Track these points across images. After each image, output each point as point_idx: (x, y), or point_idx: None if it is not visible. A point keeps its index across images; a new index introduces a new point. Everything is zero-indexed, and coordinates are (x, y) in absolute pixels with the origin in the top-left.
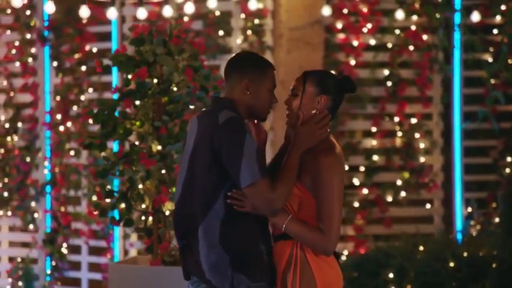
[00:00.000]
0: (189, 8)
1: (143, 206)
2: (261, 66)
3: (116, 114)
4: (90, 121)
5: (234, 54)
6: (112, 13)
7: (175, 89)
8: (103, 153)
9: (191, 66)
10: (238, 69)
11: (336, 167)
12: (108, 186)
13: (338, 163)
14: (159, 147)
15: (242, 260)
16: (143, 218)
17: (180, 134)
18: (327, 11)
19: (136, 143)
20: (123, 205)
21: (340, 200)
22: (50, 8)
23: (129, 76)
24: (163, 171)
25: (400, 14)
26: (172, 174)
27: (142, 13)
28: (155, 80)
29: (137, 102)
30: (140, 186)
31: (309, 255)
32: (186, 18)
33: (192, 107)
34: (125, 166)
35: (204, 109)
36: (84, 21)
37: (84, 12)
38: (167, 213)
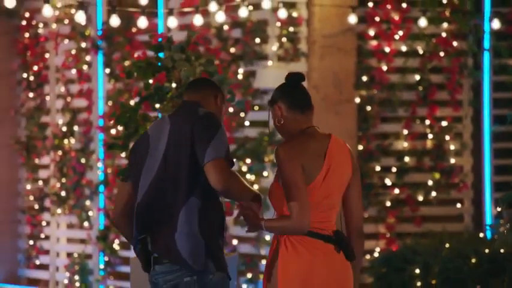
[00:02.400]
0: (220, 17)
1: None
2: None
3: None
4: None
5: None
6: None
7: None
8: (123, 154)
9: (207, 71)
10: (212, 85)
11: (287, 156)
12: None
13: (289, 152)
14: None
15: (212, 248)
16: None
17: None
18: (353, 19)
19: None
20: None
21: (296, 184)
22: (114, 20)
23: (150, 81)
24: None
25: (423, 22)
26: None
27: (172, 22)
28: (173, 84)
29: (157, 105)
30: None
31: (281, 249)
32: (226, 27)
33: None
34: None
35: (169, 114)
36: (134, 31)
37: (142, 22)
38: None
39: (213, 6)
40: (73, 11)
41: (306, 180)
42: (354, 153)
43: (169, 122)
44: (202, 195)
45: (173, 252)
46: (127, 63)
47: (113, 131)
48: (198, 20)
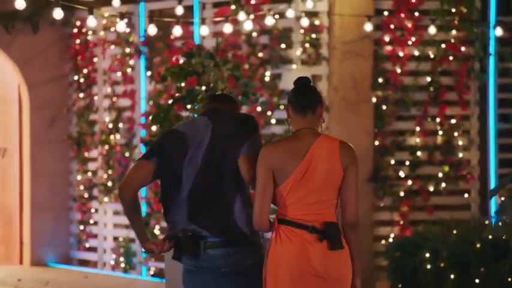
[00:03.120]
0: (248, 25)
1: None
2: None
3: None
4: None
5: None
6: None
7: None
8: None
9: (234, 75)
10: (232, 99)
11: (262, 158)
12: None
13: (264, 154)
14: None
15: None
16: None
17: None
18: (369, 27)
19: None
20: None
21: (259, 185)
22: (152, 29)
23: (182, 84)
24: None
25: (432, 30)
26: None
27: (204, 30)
28: (203, 87)
29: (188, 106)
30: None
31: (271, 238)
32: (254, 34)
33: None
34: None
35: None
36: (172, 38)
37: (177, 31)
38: None
39: (242, 16)
40: (118, 20)
41: (278, 179)
42: (350, 153)
43: (211, 122)
44: (245, 185)
45: (236, 231)
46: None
47: (154, 128)
48: (227, 29)
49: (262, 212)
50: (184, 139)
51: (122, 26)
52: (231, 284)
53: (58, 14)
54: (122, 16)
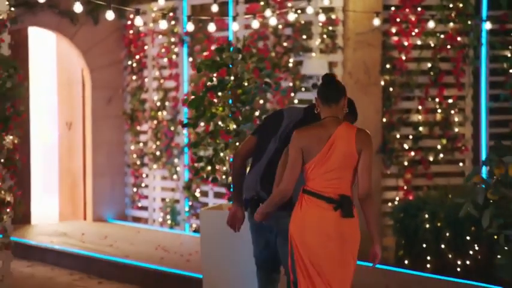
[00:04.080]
0: (273, 21)
1: (224, 168)
2: None
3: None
4: None
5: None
6: (231, 25)
7: (246, 84)
8: (196, 130)
9: (258, 67)
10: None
11: (293, 140)
12: (201, 153)
13: (295, 137)
14: (235, 126)
15: None
16: (224, 176)
17: (249, 117)
18: (377, 21)
19: (219, 123)
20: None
21: (291, 161)
22: (190, 26)
23: (214, 75)
24: (237, 144)
25: (431, 24)
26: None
27: (235, 26)
28: (232, 78)
29: (219, 94)
30: (221, 154)
31: (295, 205)
32: (281, 26)
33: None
34: (211, 139)
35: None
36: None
37: (212, 27)
38: None
39: (268, 13)
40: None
41: (306, 158)
42: (365, 138)
43: (303, 113)
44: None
45: (290, 203)
46: (205, 54)
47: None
48: (255, 24)
49: (289, 182)
50: (282, 119)
51: (163, 24)
52: (281, 240)
53: (110, 15)
54: (169, 10)
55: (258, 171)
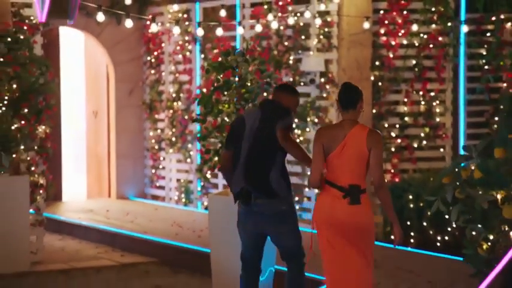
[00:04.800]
0: (274, 25)
1: None
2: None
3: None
4: None
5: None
6: (237, 28)
7: (249, 84)
8: (204, 125)
9: (259, 69)
10: (289, 91)
11: (316, 137)
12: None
13: (317, 135)
14: None
15: (288, 188)
16: None
17: None
18: (367, 25)
19: (225, 118)
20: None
21: (314, 155)
22: (199, 32)
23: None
24: None
25: (415, 27)
26: None
27: (240, 30)
28: (236, 78)
29: (225, 93)
30: None
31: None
32: (282, 28)
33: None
34: (217, 133)
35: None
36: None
37: (219, 31)
38: None
39: (270, 17)
40: (179, 15)
41: (326, 152)
42: (375, 138)
43: (259, 109)
44: (281, 160)
45: (270, 193)
46: (215, 51)
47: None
48: (259, 28)
49: (314, 173)
50: (244, 123)
51: (176, 29)
52: (271, 220)
53: (128, 23)
54: (183, 13)
55: (240, 170)
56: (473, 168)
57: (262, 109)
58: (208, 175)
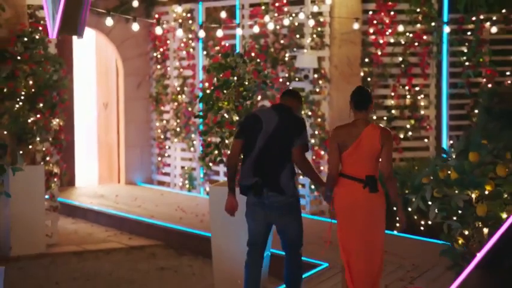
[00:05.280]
0: (271, 26)
1: (228, 152)
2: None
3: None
4: None
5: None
6: (237, 29)
7: (247, 83)
8: (205, 121)
9: (256, 69)
10: (295, 96)
11: (331, 136)
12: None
13: (333, 134)
14: (237, 118)
15: (294, 186)
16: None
17: (250, 110)
18: (356, 25)
19: (225, 115)
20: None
21: (330, 153)
22: (201, 33)
23: (220, 75)
24: None
25: (401, 28)
26: None
27: (239, 31)
28: (235, 78)
29: (225, 91)
30: (226, 141)
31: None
32: (278, 27)
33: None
34: (218, 129)
35: (269, 107)
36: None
37: (219, 33)
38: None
39: (267, 18)
40: (183, 14)
41: (340, 150)
42: (387, 135)
43: (276, 114)
44: (292, 165)
45: (279, 189)
46: (217, 48)
47: (208, 91)
48: (256, 29)
49: (331, 168)
50: (259, 122)
51: (178, 33)
52: (280, 212)
53: (135, 27)
54: (187, 11)
55: (250, 163)
56: (449, 171)
57: (280, 115)
58: (210, 163)
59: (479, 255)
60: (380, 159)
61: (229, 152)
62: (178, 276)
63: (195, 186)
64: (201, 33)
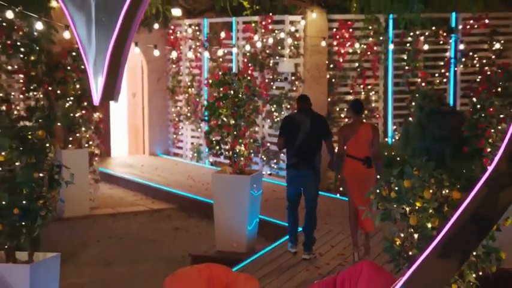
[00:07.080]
0: (259, 44)
1: (227, 147)
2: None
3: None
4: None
5: (303, 94)
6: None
7: (240, 95)
8: (208, 123)
9: (248, 85)
10: (308, 99)
11: (339, 131)
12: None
13: (340, 130)
14: (233, 121)
15: (319, 164)
16: (226, 153)
17: (243, 115)
18: (323, 43)
19: (224, 119)
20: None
21: (338, 142)
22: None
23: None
24: (235, 133)
25: (357, 45)
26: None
27: (235, 49)
28: (232, 92)
29: (223, 101)
30: (225, 139)
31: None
32: (265, 40)
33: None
34: (218, 130)
35: (299, 112)
36: (221, 38)
37: (220, 52)
38: (237, 151)
39: (256, 37)
40: (193, 27)
41: (345, 140)
42: (374, 130)
43: (308, 116)
44: (320, 151)
45: (313, 166)
46: (219, 53)
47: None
48: (247, 47)
49: (339, 150)
50: (296, 121)
51: (190, 36)
52: (309, 179)
53: (156, 53)
54: (194, 25)
55: (294, 151)
56: (389, 191)
57: (311, 116)
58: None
59: (431, 247)
60: (372, 145)
61: (277, 145)
62: (188, 235)
63: (201, 157)
64: (206, 53)
